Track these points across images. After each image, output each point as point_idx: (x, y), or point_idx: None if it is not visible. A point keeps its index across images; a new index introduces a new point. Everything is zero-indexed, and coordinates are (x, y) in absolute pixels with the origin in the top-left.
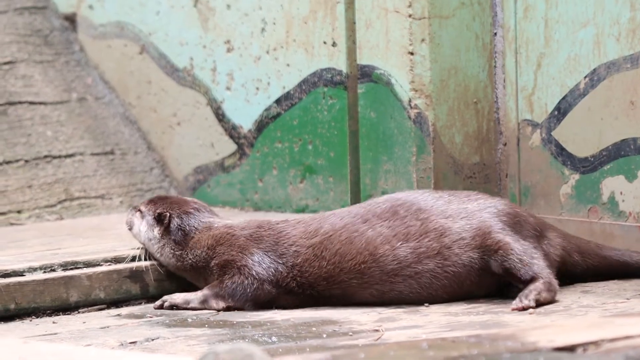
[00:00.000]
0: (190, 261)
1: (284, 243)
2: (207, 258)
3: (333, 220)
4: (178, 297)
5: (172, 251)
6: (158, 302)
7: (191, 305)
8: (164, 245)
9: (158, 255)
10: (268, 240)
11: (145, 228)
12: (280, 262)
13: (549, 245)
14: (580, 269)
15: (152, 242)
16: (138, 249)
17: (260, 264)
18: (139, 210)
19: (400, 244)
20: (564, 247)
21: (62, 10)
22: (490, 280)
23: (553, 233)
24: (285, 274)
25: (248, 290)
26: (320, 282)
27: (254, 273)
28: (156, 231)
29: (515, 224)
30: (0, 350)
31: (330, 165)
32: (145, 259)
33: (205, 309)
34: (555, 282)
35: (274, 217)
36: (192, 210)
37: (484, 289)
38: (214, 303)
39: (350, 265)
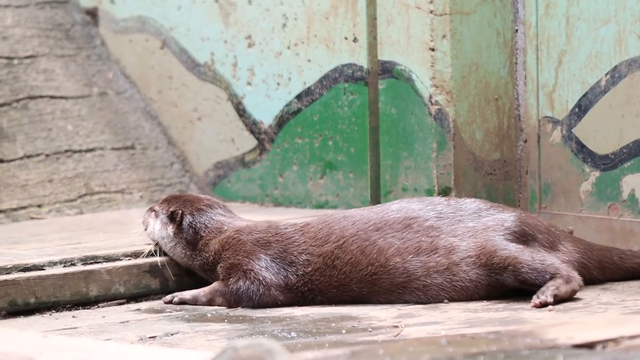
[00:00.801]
0: (198, 262)
1: (293, 251)
2: (214, 262)
3: (344, 225)
4: (187, 294)
5: (183, 251)
6: (168, 297)
7: (199, 302)
8: (175, 244)
9: (171, 254)
10: (276, 247)
11: (158, 227)
12: (290, 270)
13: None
14: (598, 282)
15: (165, 240)
16: (152, 244)
17: (268, 269)
18: (154, 210)
19: (411, 257)
20: (583, 263)
21: (84, 4)
22: (500, 291)
23: (570, 246)
24: (295, 281)
25: (254, 296)
26: (331, 290)
27: (261, 278)
28: (169, 229)
29: (524, 241)
30: (21, 344)
31: (350, 161)
32: (159, 256)
33: (212, 306)
34: (575, 274)
35: (294, 213)
36: (204, 207)
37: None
38: (220, 302)
39: (361, 275)
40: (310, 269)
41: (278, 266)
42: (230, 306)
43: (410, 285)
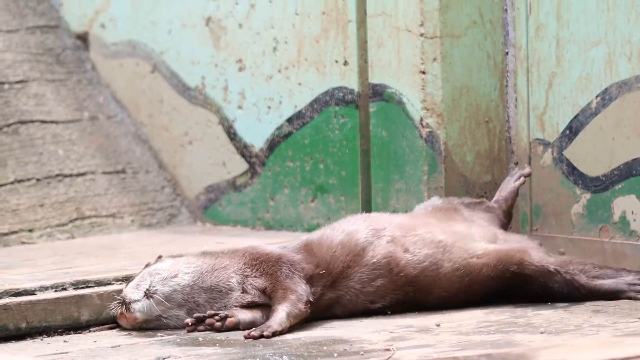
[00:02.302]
0: None
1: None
2: None
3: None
4: (274, 323)
5: None
6: (255, 333)
7: (284, 327)
8: None
9: None
10: None
11: None
12: None
13: None
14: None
15: None
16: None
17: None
18: None
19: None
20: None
21: (74, 29)
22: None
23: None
24: None
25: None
26: None
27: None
28: None
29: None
30: None
31: (341, 184)
32: None
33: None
34: None
35: (285, 236)
36: None
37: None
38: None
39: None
40: None
41: None
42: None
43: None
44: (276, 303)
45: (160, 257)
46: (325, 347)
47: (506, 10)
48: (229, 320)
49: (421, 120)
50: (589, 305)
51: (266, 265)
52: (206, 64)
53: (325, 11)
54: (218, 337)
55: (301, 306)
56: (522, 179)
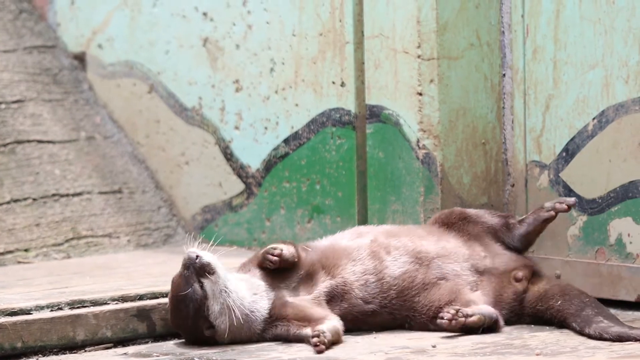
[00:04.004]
0: None
1: None
2: None
3: None
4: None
5: None
6: (449, 315)
7: None
8: None
9: None
10: None
11: None
12: None
13: None
14: None
15: None
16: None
17: None
18: None
19: None
20: None
21: (72, 49)
22: None
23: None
24: None
25: None
26: None
27: None
28: None
29: None
30: None
31: (338, 205)
32: None
33: None
34: None
35: None
36: None
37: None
38: None
39: None
40: None
41: None
42: None
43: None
44: None
45: None
46: None
47: (503, 32)
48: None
49: (418, 141)
50: None
51: None
52: (203, 84)
53: (322, 32)
54: (214, 358)
55: None
56: (552, 212)
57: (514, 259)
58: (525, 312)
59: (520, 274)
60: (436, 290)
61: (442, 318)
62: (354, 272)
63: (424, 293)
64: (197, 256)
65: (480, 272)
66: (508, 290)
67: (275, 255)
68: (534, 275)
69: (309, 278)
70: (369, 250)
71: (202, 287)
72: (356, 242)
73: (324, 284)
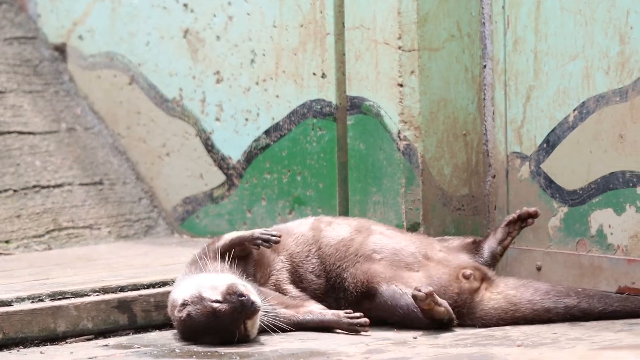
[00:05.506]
0: None
1: None
2: None
3: None
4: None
5: None
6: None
7: None
8: None
9: None
10: None
11: None
12: None
13: None
14: None
15: None
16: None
17: None
18: None
19: None
20: None
21: (52, 40)
22: None
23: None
24: None
25: None
26: None
27: None
28: None
29: None
30: None
31: (319, 197)
32: None
33: None
34: None
35: None
36: None
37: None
38: None
39: None
40: None
41: None
42: None
43: None
44: None
45: None
46: None
47: (484, 23)
48: None
49: (399, 133)
50: None
51: None
52: (184, 75)
53: (303, 24)
54: (195, 349)
55: None
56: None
57: (467, 261)
58: (477, 314)
59: (468, 271)
60: (370, 264)
61: (419, 290)
62: (297, 243)
63: (357, 264)
64: (252, 303)
65: (427, 258)
66: (454, 284)
67: (275, 236)
68: (487, 280)
69: (261, 261)
70: (310, 226)
71: (244, 325)
72: (299, 221)
73: (275, 263)
